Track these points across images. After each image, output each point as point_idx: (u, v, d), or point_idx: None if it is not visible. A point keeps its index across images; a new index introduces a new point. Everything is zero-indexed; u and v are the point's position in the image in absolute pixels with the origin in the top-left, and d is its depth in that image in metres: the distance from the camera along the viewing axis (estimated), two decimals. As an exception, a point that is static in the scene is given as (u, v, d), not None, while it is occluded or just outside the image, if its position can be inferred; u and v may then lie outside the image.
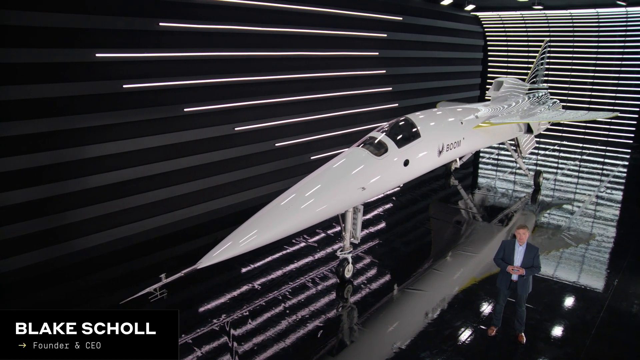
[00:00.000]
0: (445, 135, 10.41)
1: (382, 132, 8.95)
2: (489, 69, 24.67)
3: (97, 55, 9.75)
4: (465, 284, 9.16)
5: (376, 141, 8.73)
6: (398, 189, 14.96)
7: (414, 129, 9.45)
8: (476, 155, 19.84)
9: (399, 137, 9.01)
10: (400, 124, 9.46)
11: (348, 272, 8.99)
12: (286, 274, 9.44)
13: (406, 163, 9.01)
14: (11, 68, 8.78)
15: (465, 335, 7.45)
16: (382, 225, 12.29)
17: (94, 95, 9.95)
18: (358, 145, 8.69)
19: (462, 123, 11.27)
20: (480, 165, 19.25)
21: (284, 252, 10.45)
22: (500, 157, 19.83)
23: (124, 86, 10.29)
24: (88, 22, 9.56)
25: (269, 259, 10.06)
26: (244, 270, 9.63)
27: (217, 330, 7.51)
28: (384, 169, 8.55)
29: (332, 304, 8.40)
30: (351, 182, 7.90)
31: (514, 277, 6.99)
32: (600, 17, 20.11)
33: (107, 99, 10.15)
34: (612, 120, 21.32)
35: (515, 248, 6.95)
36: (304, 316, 7.92)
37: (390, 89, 17.95)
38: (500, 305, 7.34)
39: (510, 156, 16.20)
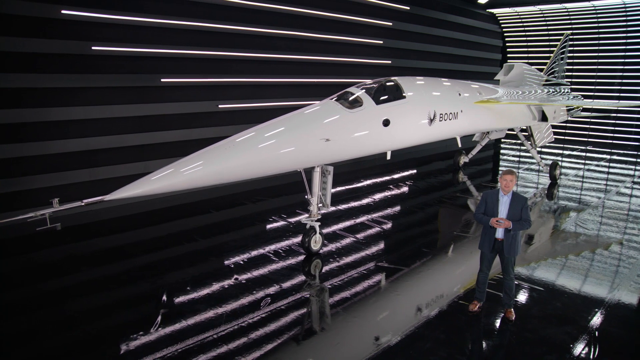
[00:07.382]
0: (437, 102, 9.41)
1: (362, 89, 7.98)
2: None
3: (63, 12, 9.23)
4: (467, 277, 7.87)
5: (352, 97, 7.79)
6: (407, 186, 13.74)
7: (398, 90, 8.49)
8: (495, 156, 18.42)
9: (379, 96, 8.02)
10: (387, 83, 8.50)
11: (315, 243, 7.84)
12: (247, 246, 8.36)
13: (386, 123, 7.95)
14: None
15: (440, 311, 6.14)
16: (380, 213, 11.08)
17: (59, 54, 9.39)
18: (331, 99, 7.73)
19: (459, 94, 10.25)
20: (497, 160, 17.95)
21: (253, 225, 9.45)
22: (521, 153, 18.37)
23: (93, 48, 9.73)
24: (54, -25, 9.09)
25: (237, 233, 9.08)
26: (200, 241, 8.66)
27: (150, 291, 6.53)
28: (357, 124, 7.53)
29: (290, 275, 7.22)
30: (314, 132, 6.90)
31: (499, 234, 5.72)
32: (627, 6, 18.65)
33: (73, 60, 9.58)
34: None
35: (500, 199, 5.71)
36: (253, 285, 6.79)
37: (397, 81, 16.94)
38: (484, 274, 6.03)
39: (527, 150, 14.74)
